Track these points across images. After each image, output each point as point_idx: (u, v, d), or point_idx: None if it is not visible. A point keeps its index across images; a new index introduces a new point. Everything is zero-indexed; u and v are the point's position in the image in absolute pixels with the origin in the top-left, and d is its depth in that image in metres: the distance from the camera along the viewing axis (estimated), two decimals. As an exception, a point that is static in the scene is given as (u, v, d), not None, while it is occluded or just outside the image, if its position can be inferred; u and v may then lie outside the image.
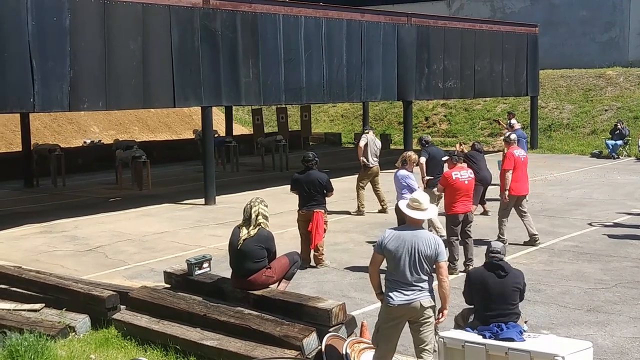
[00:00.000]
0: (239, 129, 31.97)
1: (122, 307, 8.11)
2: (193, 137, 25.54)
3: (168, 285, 8.36)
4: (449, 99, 27.59)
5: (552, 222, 13.72)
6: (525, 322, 6.71)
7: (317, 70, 18.83)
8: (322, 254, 10.77)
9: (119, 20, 14.70)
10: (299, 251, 9.82)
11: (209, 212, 15.60)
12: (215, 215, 15.14)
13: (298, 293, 7.85)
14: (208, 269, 8.26)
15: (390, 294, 6.07)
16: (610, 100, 28.62)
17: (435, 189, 11.71)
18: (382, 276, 6.27)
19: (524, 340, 5.98)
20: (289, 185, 10.98)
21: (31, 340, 6.95)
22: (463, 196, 10.29)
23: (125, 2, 14.76)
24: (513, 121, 17.30)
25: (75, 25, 13.93)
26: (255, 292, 7.53)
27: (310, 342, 6.73)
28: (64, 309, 8.17)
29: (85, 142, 26.10)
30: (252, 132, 28.98)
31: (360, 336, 7.00)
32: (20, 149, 21.40)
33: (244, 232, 7.65)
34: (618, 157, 23.82)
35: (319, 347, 6.55)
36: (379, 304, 6.47)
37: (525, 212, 11.95)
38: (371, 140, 14.99)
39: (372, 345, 6.51)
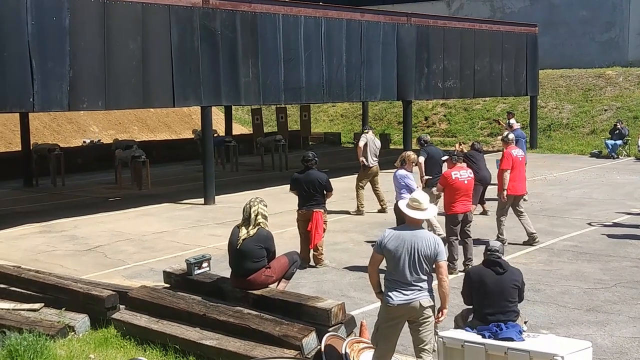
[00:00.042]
0: (238, 129, 31.96)
1: (121, 306, 8.11)
2: (192, 136, 25.56)
3: (167, 285, 8.36)
4: (448, 98, 27.59)
5: (552, 221, 13.72)
6: (525, 322, 6.71)
7: (316, 70, 18.83)
8: (322, 254, 10.78)
9: (119, 20, 14.69)
10: (299, 251, 9.82)
11: (208, 212, 15.60)
12: (214, 215, 15.14)
13: (297, 293, 7.85)
14: (207, 268, 8.26)
15: (390, 293, 6.08)
16: (609, 100, 28.63)
17: (434, 189, 11.72)
18: (382, 276, 6.27)
19: (524, 340, 5.98)
20: (289, 185, 10.98)
21: (30, 340, 6.95)
22: (462, 196, 10.29)
23: (125, 2, 14.76)
24: (512, 121, 17.31)
25: (75, 25, 13.93)
26: (255, 292, 7.53)
27: (310, 341, 6.73)
28: (64, 309, 8.16)
29: (84, 142, 26.10)
30: (251, 132, 28.98)
31: (360, 336, 7.00)
32: (20, 149, 21.40)
33: (243, 232, 7.65)
34: (617, 157, 23.83)
35: (319, 347, 6.55)
36: (378, 304, 6.47)
37: (522, 212, 11.96)
38: (370, 140, 14.99)
39: (371, 345, 6.51)
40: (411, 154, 11.15)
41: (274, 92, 17.91)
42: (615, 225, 13.29)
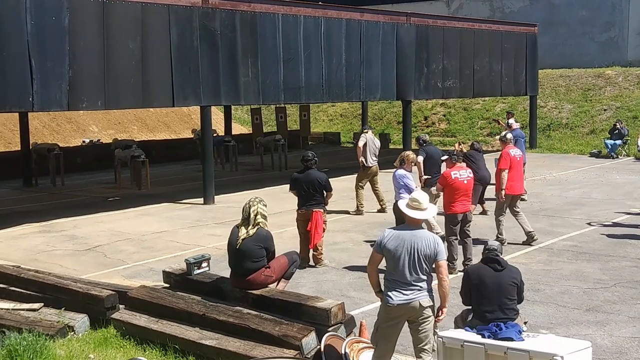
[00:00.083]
0: (238, 129, 31.96)
1: (121, 306, 8.11)
2: (192, 136, 25.56)
3: (167, 285, 8.36)
4: (448, 98, 27.60)
5: (551, 221, 13.72)
6: (525, 322, 6.71)
7: (316, 70, 18.83)
8: (321, 254, 10.77)
9: (118, 20, 14.69)
10: (298, 250, 9.82)
11: (207, 212, 15.59)
12: (214, 215, 15.14)
13: (297, 292, 7.84)
14: (207, 268, 8.25)
15: (390, 293, 6.08)
16: (609, 100, 28.64)
17: (433, 188, 11.73)
18: (381, 275, 6.27)
19: (523, 340, 5.98)
20: (288, 185, 10.98)
21: (30, 340, 6.95)
22: (462, 196, 10.29)
23: (125, 2, 14.75)
24: (511, 121, 17.29)
25: (75, 25, 13.92)
26: (254, 292, 7.53)
27: (309, 341, 6.73)
28: (63, 309, 8.16)
29: (84, 142, 26.09)
30: (251, 132, 28.98)
31: (359, 336, 7.00)
32: (19, 148, 21.40)
33: (242, 232, 7.64)
34: (617, 157, 23.83)
35: (318, 347, 6.55)
36: (378, 304, 6.47)
37: (518, 211, 11.97)
38: (370, 140, 14.99)
39: (371, 345, 6.51)
40: (410, 154, 11.15)
41: (274, 91, 17.90)
42: (615, 225, 13.29)
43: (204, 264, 8.22)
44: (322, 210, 10.60)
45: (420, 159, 12.63)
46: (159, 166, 22.56)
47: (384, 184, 14.89)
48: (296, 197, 10.81)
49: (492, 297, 6.44)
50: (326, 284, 9.82)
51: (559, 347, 5.82)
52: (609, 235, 12.40)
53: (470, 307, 6.72)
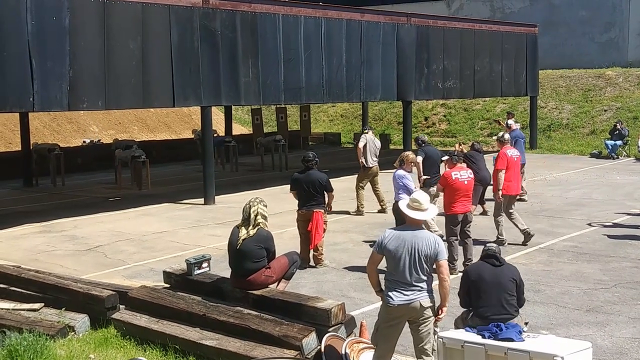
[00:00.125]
0: (238, 129, 31.96)
1: (121, 306, 8.11)
2: (192, 136, 25.55)
3: (167, 285, 8.36)
4: (448, 99, 27.59)
5: (552, 222, 13.72)
6: (526, 323, 6.71)
7: (316, 70, 18.83)
8: (322, 254, 10.78)
9: (119, 20, 14.70)
10: (299, 251, 9.82)
11: (208, 212, 15.60)
12: (214, 215, 15.14)
13: (297, 293, 7.85)
14: (207, 268, 8.26)
15: (390, 293, 6.08)
16: (609, 101, 28.63)
17: (431, 188, 11.76)
18: (382, 276, 6.28)
19: (523, 341, 5.98)
20: (289, 185, 10.98)
21: (30, 340, 6.95)
22: (462, 196, 10.29)
23: (125, 2, 14.76)
24: (510, 121, 17.28)
25: (75, 25, 13.93)
26: (255, 292, 7.53)
27: (310, 342, 6.73)
28: (63, 309, 8.16)
29: (84, 142, 26.09)
30: (251, 132, 28.98)
31: (360, 336, 7.00)
32: (20, 149, 21.40)
33: (243, 232, 7.65)
34: (617, 158, 23.83)
35: (319, 347, 6.55)
36: (378, 304, 6.47)
37: (512, 212, 11.99)
38: (370, 141, 15.00)
39: (371, 345, 6.51)
40: (409, 154, 11.16)
41: (274, 92, 17.91)
42: (615, 225, 13.29)
43: (205, 265, 8.23)
44: (322, 211, 10.61)
45: (420, 159, 12.64)
46: (159, 166, 22.57)
47: (384, 185, 14.89)
48: (295, 199, 10.83)
49: (491, 292, 6.46)
50: (326, 285, 9.82)
51: (559, 347, 5.82)
52: (609, 236, 12.40)
53: (469, 309, 6.73)
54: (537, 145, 26.57)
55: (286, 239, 11.84)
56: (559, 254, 11.28)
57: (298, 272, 8.67)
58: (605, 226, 13.23)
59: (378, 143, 15.35)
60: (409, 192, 10.15)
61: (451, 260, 9.96)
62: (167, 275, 8.40)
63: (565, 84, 30.70)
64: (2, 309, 8.38)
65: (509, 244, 11.78)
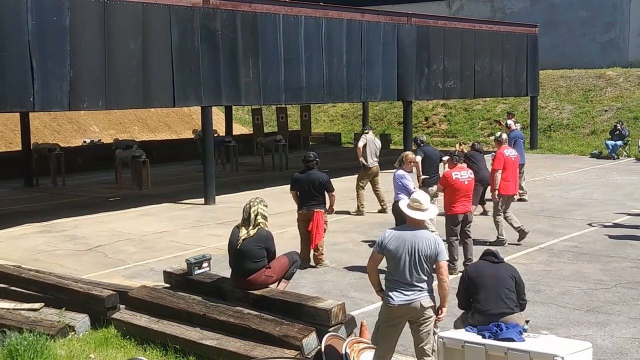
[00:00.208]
0: (238, 129, 31.97)
1: (121, 306, 8.11)
2: (193, 136, 25.56)
3: (167, 285, 8.36)
4: (448, 99, 27.59)
5: (552, 222, 13.72)
6: (527, 321, 6.71)
7: (317, 70, 18.83)
8: (322, 254, 10.78)
9: (119, 20, 14.70)
10: (299, 251, 9.82)
11: (208, 212, 15.60)
12: (214, 215, 15.14)
13: (297, 293, 7.85)
14: (207, 268, 8.26)
15: (390, 293, 6.08)
16: (610, 101, 28.63)
17: (430, 188, 11.77)
18: (382, 276, 6.28)
19: (524, 341, 5.98)
20: (289, 185, 10.99)
21: (31, 340, 6.95)
22: (463, 196, 10.30)
23: (125, 2, 14.76)
24: (509, 122, 17.26)
25: (75, 25, 13.93)
26: (255, 292, 7.53)
27: (310, 342, 6.73)
28: (64, 309, 8.16)
29: (85, 142, 26.10)
30: (251, 132, 28.98)
31: (360, 336, 7.00)
32: (20, 148, 21.41)
33: (243, 232, 7.65)
34: (618, 158, 23.83)
35: (319, 347, 6.55)
36: (378, 304, 6.47)
37: (508, 211, 12.00)
38: (370, 141, 15.00)
39: (371, 345, 6.51)
40: (409, 154, 11.17)
41: (275, 92, 17.91)
42: (616, 225, 13.29)
43: (205, 264, 8.23)
44: (323, 211, 10.61)
45: (419, 158, 12.65)
46: (159, 166, 22.57)
47: (384, 185, 14.89)
48: (294, 199, 10.84)
49: (490, 286, 6.46)
50: (327, 285, 9.82)
51: (559, 347, 5.82)
52: (609, 236, 12.40)
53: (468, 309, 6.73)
54: (538, 146, 26.57)
55: (286, 239, 11.84)
56: (559, 254, 11.28)
57: (298, 272, 8.68)
58: (606, 226, 13.23)
59: (378, 143, 15.36)
60: (407, 192, 10.16)
61: (451, 260, 9.97)
62: (168, 275, 8.40)
63: (566, 84, 30.70)
64: (2, 308, 8.39)
65: (509, 244, 11.78)
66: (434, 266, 6.12)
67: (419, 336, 6.13)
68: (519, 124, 21.91)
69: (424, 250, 6.04)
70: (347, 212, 14.95)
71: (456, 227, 10.34)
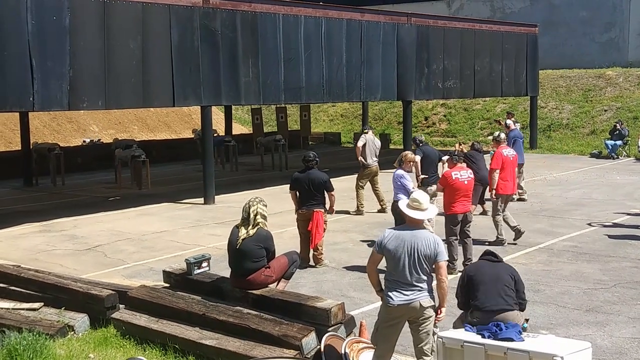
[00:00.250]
0: (238, 129, 31.96)
1: (121, 306, 8.11)
2: (192, 136, 25.56)
3: (167, 285, 8.36)
4: (448, 98, 27.58)
5: (552, 222, 13.72)
6: (527, 320, 6.71)
7: (316, 70, 18.83)
8: (322, 254, 10.78)
9: (119, 20, 14.70)
10: (298, 251, 9.82)
11: (208, 212, 15.60)
12: (214, 215, 15.14)
13: (297, 292, 7.84)
14: (207, 268, 8.26)
15: (390, 293, 6.08)
16: (609, 101, 28.63)
17: (429, 188, 11.77)
18: (382, 276, 6.28)
19: (523, 340, 5.97)
20: (289, 185, 10.98)
21: (30, 339, 6.95)
22: (462, 196, 10.30)
23: (125, 2, 14.76)
24: (509, 122, 17.26)
25: (75, 25, 13.92)
26: (254, 292, 7.53)
27: (309, 341, 6.73)
28: (63, 308, 8.16)
29: (84, 141, 26.09)
30: (251, 132, 28.97)
31: (359, 336, 6.99)
32: (20, 148, 21.41)
33: (242, 232, 7.65)
34: (617, 158, 23.83)
35: (318, 347, 6.55)
36: (378, 304, 6.46)
37: (504, 210, 12.00)
38: (370, 140, 15.00)
39: (371, 345, 6.51)
40: (409, 154, 11.17)
41: (274, 91, 17.91)
42: (615, 225, 13.29)
43: (204, 264, 8.22)
44: (322, 210, 10.61)
45: (418, 158, 12.65)
46: (159, 166, 22.56)
47: (384, 184, 14.89)
48: (292, 200, 10.83)
49: (489, 283, 6.47)
50: (326, 284, 9.82)
51: (558, 347, 5.82)
52: (609, 236, 12.40)
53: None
54: (537, 145, 26.57)
55: (286, 239, 11.84)
56: (558, 253, 11.28)
57: (298, 272, 8.67)
58: (605, 226, 13.23)
59: (378, 143, 15.36)
60: (406, 191, 10.16)
61: (451, 260, 9.96)
62: (167, 275, 8.40)
63: (566, 84, 30.70)
64: (1, 308, 8.38)
65: (508, 243, 11.78)
66: (433, 266, 6.12)
67: (419, 336, 6.13)
68: (519, 124, 21.91)
69: (424, 250, 6.04)
70: (347, 212, 14.94)
71: (456, 226, 10.34)
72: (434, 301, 6.15)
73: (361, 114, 30.71)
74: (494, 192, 11.89)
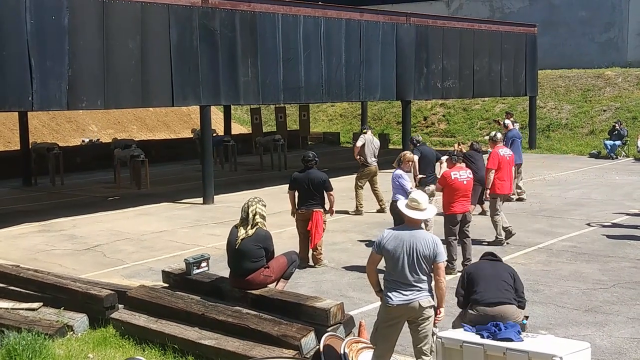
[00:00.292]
0: (237, 128, 31.96)
1: (120, 306, 8.10)
2: (191, 136, 25.56)
3: (166, 285, 8.36)
4: (447, 98, 27.59)
5: (551, 222, 13.72)
6: (526, 317, 6.72)
7: (315, 70, 18.83)
8: (321, 254, 10.78)
9: (118, 19, 14.69)
10: (297, 250, 9.81)
11: (207, 212, 15.59)
12: (213, 215, 15.14)
13: (296, 292, 7.84)
14: (206, 268, 8.25)
15: (389, 294, 6.08)
16: (608, 101, 28.64)
17: (427, 188, 11.78)
18: (381, 276, 6.28)
19: (522, 341, 5.98)
20: (288, 185, 10.98)
21: (29, 339, 6.95)
22: (461, 196, 10.30)
23: (124, 1, 14.75)
24: (507, 122, 17.25)
25: (74, 24, 13.92)
26: (254, 292, 7.53)
27: (309, 341, 6.73)
28: (62, 308, 8.16)
29: (83, 141, 26.08)
30: (250, 132, 28.98)
31: (359, 336, 7.00)
32: (19, 148, 21.39)
33: (241, 232, 7.64)
34: (616, 158, 23.84)
35: (317, 347, 6.55)
36: (377, 304, 6.46)
37: (500, 211, 12.04)
38: (369, 140, 15.00)
39: (370, 345, 6.51)
40: (407, 154, 11.17)
41: (273, 91, 17.91)
42: (614, 225, 13.30)
43: (203, 264, 8.22)
44: (322, 210, 10.61)
45: (416, 158, 12.65)
46: (158, 166, 22.55)
47: (383, 184, 14.89)
48: (290, 200, 10.83)
49: (489, 279, 6.52)
50: (325, 284, 9.82)
51: (558, 347, 5.82)
52: (608, 236, 12.40)
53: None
54: (536, 145, 26.58)
55: (285, 239, 11.84)
56: (557, 254, 11.29)
57: (297, 272, 8.68)
58: (604, 226, 13.24)
59: (377, 143, 15.36)
60: (404, 191, 10.15)
61: (450, 260, 9.97)
62: (166, 275, 8.40)
63: (565, 84, 30.71)
64: (0, 308, 8.38)
65: (507, 243, 11.78)
66: (432, 266, 6.12)
67: (418, 336, 6.13)
68: (518, 124, 21.91)
69: (423, 250, 6.04)
70: (346, 212, 14.94)
71: (455, 226, 10.34)
72: (433, 301, 6.15)
73: (360, 114, 30.71)
74: (487, 191, 11.93)
